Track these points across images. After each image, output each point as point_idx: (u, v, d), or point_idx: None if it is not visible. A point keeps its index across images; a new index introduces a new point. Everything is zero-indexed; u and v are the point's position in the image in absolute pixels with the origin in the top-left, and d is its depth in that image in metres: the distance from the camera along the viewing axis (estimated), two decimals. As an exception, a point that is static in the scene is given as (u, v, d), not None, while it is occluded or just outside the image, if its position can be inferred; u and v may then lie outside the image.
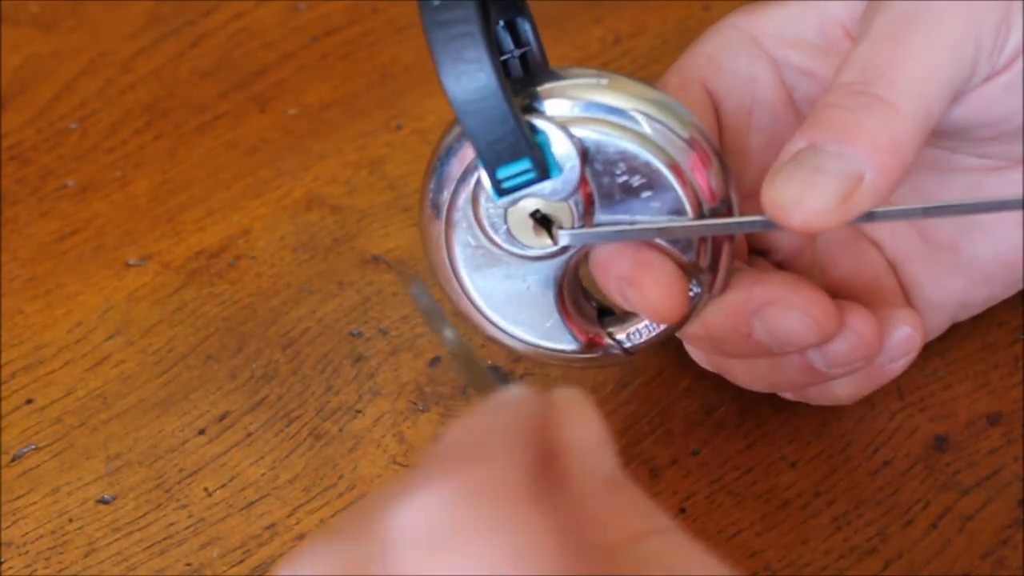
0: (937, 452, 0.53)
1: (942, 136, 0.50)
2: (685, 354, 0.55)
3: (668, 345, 0.53)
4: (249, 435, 0.54)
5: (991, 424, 0.53)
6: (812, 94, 0.51)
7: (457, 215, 0.48)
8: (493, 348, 0.55)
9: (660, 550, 0.36)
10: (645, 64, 0.64)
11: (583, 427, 0.38)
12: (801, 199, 0.45)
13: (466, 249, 0.49)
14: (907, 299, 0.53)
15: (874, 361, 0.51)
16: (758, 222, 0.47)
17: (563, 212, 0.48)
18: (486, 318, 0.50)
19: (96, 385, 0.56)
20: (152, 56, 0.66)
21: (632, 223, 0.48)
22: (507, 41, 0.48)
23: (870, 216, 0.46)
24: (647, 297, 0.48)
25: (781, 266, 0.53)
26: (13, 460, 0.54)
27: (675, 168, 0.47)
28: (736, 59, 0.51)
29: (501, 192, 0.47)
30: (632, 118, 0.47)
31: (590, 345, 0.50)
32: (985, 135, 0.49)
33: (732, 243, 0.49)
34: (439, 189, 0.48)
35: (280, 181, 0.62)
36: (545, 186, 0.47)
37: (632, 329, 0.50)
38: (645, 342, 0.50)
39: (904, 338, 0.50)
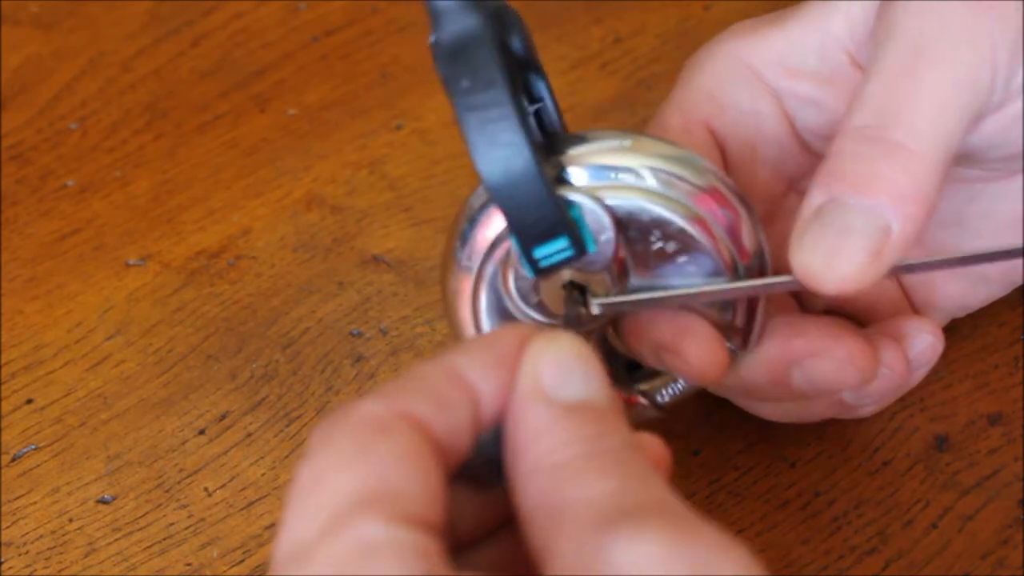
0: (937, 452, 0.53)
1: (963, 160, 0.49)
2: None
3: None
4: (249, 435, 0.54)
5: (991, 424, 0.53)
6: (816, 123, 0.50)
7: (485, 283, 0.47)
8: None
9: None
10: (645, 64, 0.64)
11: (542, 356, 0.38)
12: (832, 263, 0.44)
13: (494, 316, 0.47)
14: (907, 302, 0.53)
15: (907, 389, 0.51)
16: (789, 283, 0.46)
17: (596, 280, 0.47)
18: None
19: (96, 385, 0.56)
20: (152, 56, 0.66)
21: (667, 287, 0.47)
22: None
23: (905, 268, 0.45)
24: (690, 362, 0.47)
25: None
26: (13, 460, 0.54)
27: (708, 231, 0.46)
28: (738, 95, 0.50)
29: (537, 271, 0.46)
30: (662, 182, 0.46)
31: (626, 404, 0.50)
32: (994, 156, 0.49)
33: (766, 298, 0.48)
34: (468, 256, 0.47)
35: (280, 181, 0.62)
36: (580, 261, 0.46)
37: (664, 385, 0.50)
38: (676, 396, 0.50)
39: (927, 347, 0.50)
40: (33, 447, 0.54)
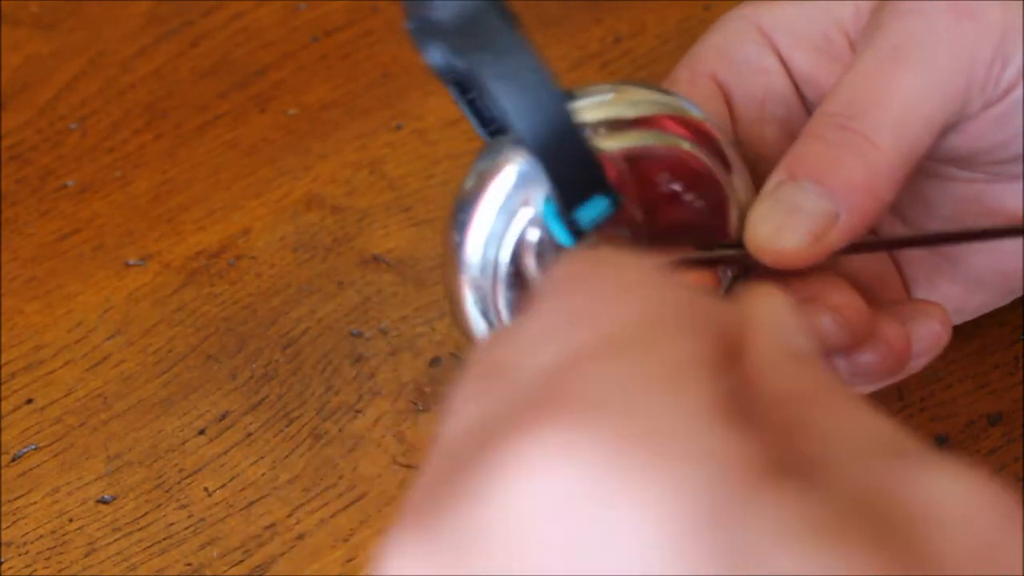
0: (937, 452, 0.53)
1: (939, 160, 0.50)
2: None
3: None
4: (249, 435, 0.54)
5: (991, 424, 0.53)
6: (813, 99, 0.51)
7: (503, 270, 0.45)
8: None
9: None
10: (645, 64, 0.64)
11: (767, 301, 0.36)
12: (775, 237, 0.46)
13: (512, 299, 0.46)
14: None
15: (900, 377, 0.51)
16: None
17: (615, 239, 0.46)
18: None
19: (96, 385, 0.56)
20: (152, 56, 0.66)
21: (676, 228, 0.47)
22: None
23: (852, 248, 0.47)
24: None
25: None
26: (13, 460, 0.54)
27: (704, 162, 0.47)
28: (745, 49, 0.51)
29: (577, 234, 0.45)
30: (653, 124, 0.46)
31: None
32: (982, 160, 0.49)
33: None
34: (478, 246, 0.45)
35: (280, 181, 0.62)
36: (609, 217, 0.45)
37: None
38: None
39: (932, 334, 0.50)
40: (33, 447, 0.54)
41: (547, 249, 0.45)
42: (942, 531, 0.31)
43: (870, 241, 0.47)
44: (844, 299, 0.48)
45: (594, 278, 0.34)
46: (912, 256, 0.52)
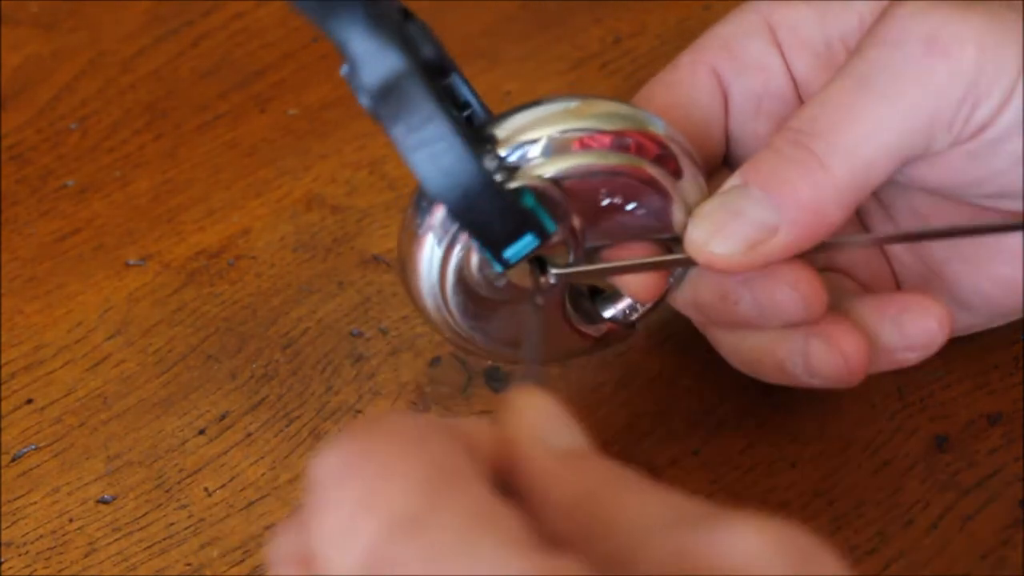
0: (937, 452, 0.53)
1: (923, 189, 0.50)
2: (685, 354, 0.55)
3: (660, 311, 0.52)
4: (249, 435, 0.54)
5: (991, 424, 0.53)
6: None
7: (449, 283, 0.48)
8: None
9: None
10: (645, 64, 0.64)
11: (523, 412, 0.37)
12: (710, 238, 0.46)
13: (464, 305, 0.49)
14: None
15: (855, 384, 0.51)
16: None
17: (558, 249, 0.48)
18: (496, 354, 0.50)
19: (96, 385, 0.56)
20: (152, 56, 0.66)
21: (621, 231, 0.48)
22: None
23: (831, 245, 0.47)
24: (628, 283, 0.49)
25: None
26: (13, 460, 0.54)
27: (644, 170, 0.47)
28: (748, 44, 0.51)
29: (507, 266, 0.47)
30: (600, 136, 0.47)
31: (599, 339, 0.51)
32: (961, 194, 0.49)
33: None
34: (425, 267, 0.48)
35: (280, 181, 0.62)
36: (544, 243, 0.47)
37: (627, 304, 0.51)
38: (644, 312, 0.51)
39: (925, 332, 0.50)
40: (33, 447, 0.54)
41: (487, 268, 0.48)
42: None
43: (838, 241, 0.48)
44: (800, 273, 0.48)
45: (367, 460, 0.35)
46: (906, 268, 0.52)
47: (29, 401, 0.55)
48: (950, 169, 0.48)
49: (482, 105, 0.47)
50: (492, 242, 0.46)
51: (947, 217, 0.51)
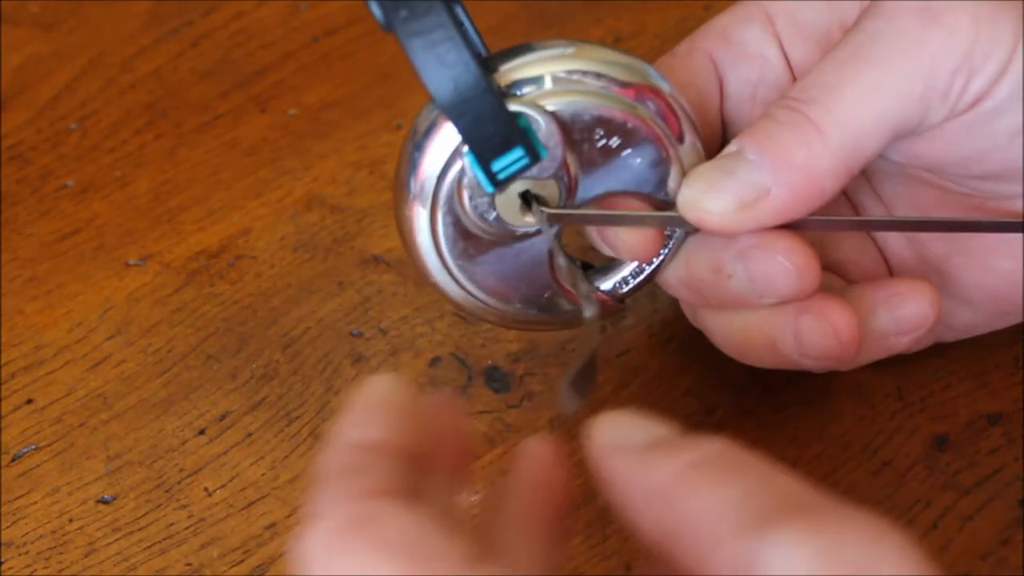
0: (937, 452, 0.53)
1: (914, 167, 0.50)
2: (685, 355, 0.55)
3: (651, 285, 0.52)
4: (249, 435, 0.54)
5: (991, 424, 0.53)
6: None
7: (442, 207, 0.49)
8: (492, 348, 0.55)
9: None
10: (645, 64, 0.64)
11: (599, 430, 0.39)
12: (703, 196, 0.47)
13: (454, 241, 0.49)
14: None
15: (847, 364, 0.50)
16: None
17: (549, 188, 0.48)
18: (482, 302, 0.50)
19: (96, 385, 0.56)
20: (152, 56, 0.66)
21: (615, 188, 0.49)
22: None
23: (799, 224, 0.47)
24: (621, 236, 0.49)
25: None
26: (13, 460, 0.54)
27: (646, 122, 0.48)
28: (745, 33, 0.52)
29: (496, 183, 0.47)
30: (601, 80, 0.48)
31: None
32: (960, 174, 0.49)
33: None
34: (421, 182, 0.48)
35: (280, 181, 0.62)
36: (534, 169, 0.48)
37: (619, 278, 0.51)
38: (633, 287, 0.51)
39: (916, 313, 0.50)
40: (33, 447, 0.54)
41: (477, 192, 0.48)
42: None
43: (814, 219, 0.48)
44: (793, 244, 0.48)
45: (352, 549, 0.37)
46: (904, 264, 0.52)
47: (29, 401, 0.55)
48: (948, 144, 0.48)
49: (477, 33, 0.48)
50: (480, 146, 0.46)
51: (948, 213, 0.51)
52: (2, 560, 0.51)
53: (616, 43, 0.65)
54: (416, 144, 0.48)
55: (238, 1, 0.68)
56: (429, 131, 0.48)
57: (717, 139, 0.52)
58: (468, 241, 0.49)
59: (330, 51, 0.66)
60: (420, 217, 0.49)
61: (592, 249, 0.52)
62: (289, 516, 0.52)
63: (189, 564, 0.51)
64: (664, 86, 0.48)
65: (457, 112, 0.46)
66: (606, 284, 0.51)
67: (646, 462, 0.37)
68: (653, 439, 0.38)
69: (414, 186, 0.48)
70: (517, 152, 0.47)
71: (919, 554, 0.35)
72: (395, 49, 0.66)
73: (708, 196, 0.47)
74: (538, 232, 0.49)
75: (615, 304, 0.52)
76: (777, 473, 0.37)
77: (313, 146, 0.63)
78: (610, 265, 0.51)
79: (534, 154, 0.47)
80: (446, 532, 0.37)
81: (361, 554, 0.37)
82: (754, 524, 0.35)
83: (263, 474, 0.53)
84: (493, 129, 0.46)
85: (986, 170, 0.48)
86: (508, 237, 0.49)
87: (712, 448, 0.37)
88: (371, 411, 0.40)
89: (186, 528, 0.52)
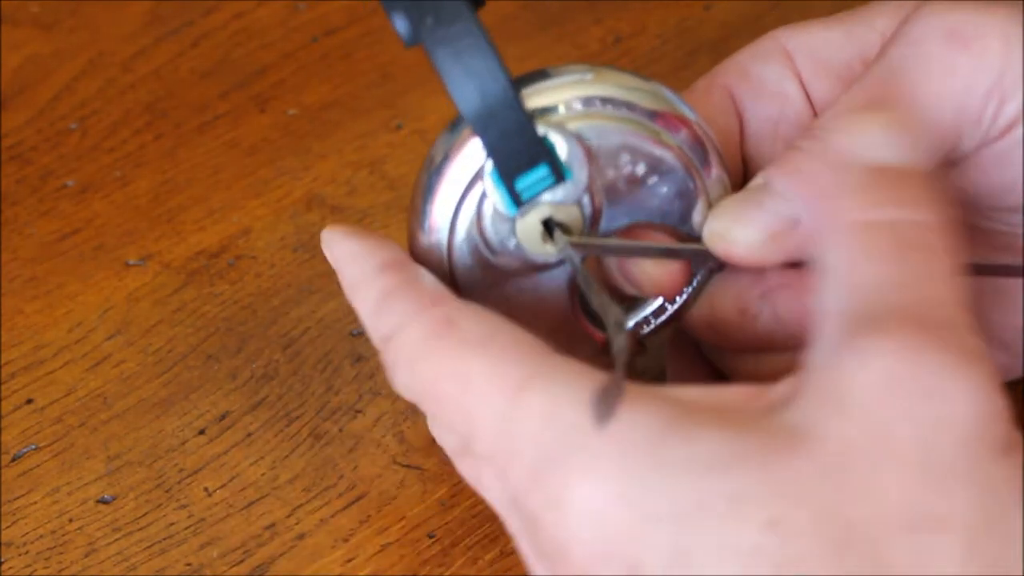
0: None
1: (955, 202, 0.49)
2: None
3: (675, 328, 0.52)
4: (249, 435, 0.54)
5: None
6: None
7: (459, 234, 0.47)
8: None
9: None
10: (645, 64, 0.64)
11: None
12: (731, 227, 0.46)
13: (471, 271, 0.48)
14: None
15: None
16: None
17: (572, 216, 0.47)
18: None
19: (96, 385, 0.56)
20: (152, 56, 0.66)
21: (639, 218, 0.48)
22: None
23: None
24: (646, 270, 0.48)
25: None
26: (13, 460, 0.54)
27: (675, 150, 0.47)
28: (765, 69, 0.51)
29: (519, 203, 0.46)
30: (628, 107, 0.47)
31: (606, 345, 0.50)
32: (989, 205, 0.48)
33: None
34: (438, 209, 0.47)
35: (280, 181, 0.62)
36: (558, 191, 0.47)
37: (640, 317, 0.50)
38: (655, 327, 0.50)
39: None
40: (33, 447, 0.54)
41: (498, 218, 0.47)
42: None
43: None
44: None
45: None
46: None
47: (29, 401, 0.55)
48: (980, 173, 0.47)
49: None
50: (505, 161, 0.45)
51: (977, 251, 0.50)
52: (2, 560, 0.51)
53: (616, 43, 0.65)
54: (434, 170, 0.47)
55: (238, 1, 0.68)
56: (448, 155, 0.47)
57: (739, 177, 0.51)
58: (485, 272, 0.48)
59: (330, 51, 0.66)
60: (437, 246, 0.47)
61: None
62: (289, 516, 0.52)
63: (189, 564, 0.51)
64: (691, 115, 0.48)
65: (483, 124, 0.45)
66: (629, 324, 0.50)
67: (864, 189, 0.39)
68: (897, 163, 0.40)
69: (431, 213, 0.47)
70: (542, 171, 0.46)
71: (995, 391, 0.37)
72: (395, 49, 0.66)
73: (736, 227, 0.46)
74: (559, 264, 0.48)
75: (635, 345, 0.51)
76: (940, 274, 0.39)
77: (313, 146, 0.63)
78: (631, 304, 0.50)
79: (559, 174, 0.46)
80: (512, 326, 0.41)
81: (453, 355, 0.41)
82: (861, 324, 0.38)
83: (263, 474, 0.53)
84: (519, 145, 0.45)
85: (1018, 201, 0.48)
86: (527, 268, 0.48)
87: (921, 215, 0.40)
88: (368, 241, 0.45)
89: (186, 528, 0.52)
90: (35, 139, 0.63)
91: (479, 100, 0.45)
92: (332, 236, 0.47)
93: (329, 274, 0.59)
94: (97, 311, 0.58)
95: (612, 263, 0.49)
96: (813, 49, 0.51)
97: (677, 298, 0.50)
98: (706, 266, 0.49)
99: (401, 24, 0.44)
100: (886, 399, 0.37)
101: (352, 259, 0.46)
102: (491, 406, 0.40)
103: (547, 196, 0.47)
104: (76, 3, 0.68)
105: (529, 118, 0.45)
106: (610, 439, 0.39)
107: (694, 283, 0.49)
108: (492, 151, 0.45)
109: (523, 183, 0.46)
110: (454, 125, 0.47)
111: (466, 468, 0.45)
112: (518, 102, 0.45)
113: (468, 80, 0.44)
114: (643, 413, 0.39)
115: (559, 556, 0.39)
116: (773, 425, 0.38)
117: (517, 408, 0.40)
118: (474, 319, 0.42)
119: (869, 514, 0.36)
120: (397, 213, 0.60)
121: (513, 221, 0.47)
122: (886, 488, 0.36)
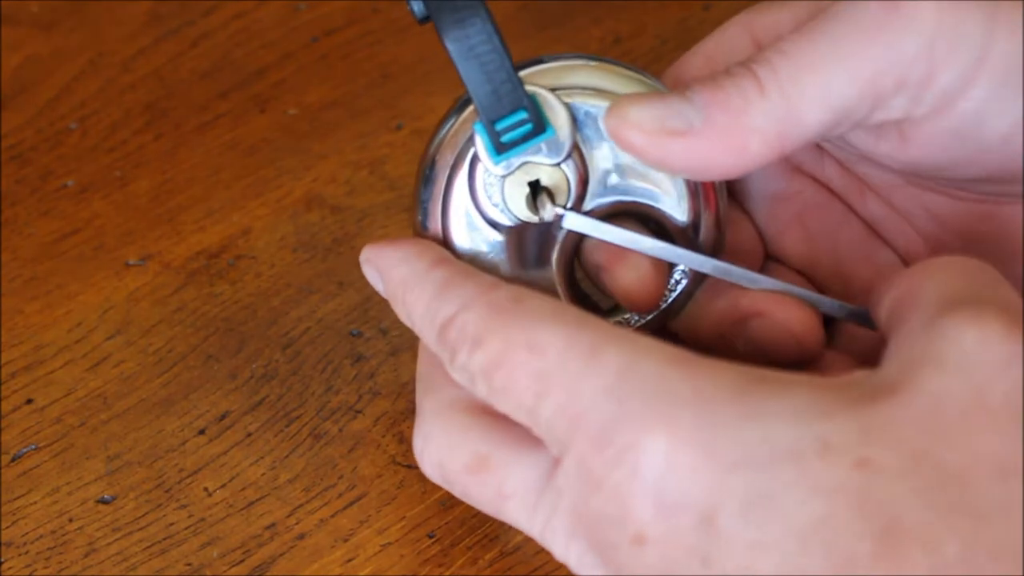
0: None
1: (920, 174, 0.49)
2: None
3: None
4: (249, 435, 0.54)
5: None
6: None
7: (454, 199, 0.49)
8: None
9: None
10: (645, 64, 0.64)
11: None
12: (630, 106, 0.46)
13: (463, 227, 0.49)
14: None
15: None
16: (747, 276, 0.49)
17: (560, 185, 0.48)
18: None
19: (96, 385, 0.56)
20: (152, 56, 0.66)
21: (625, 199, 0.49)
22: None
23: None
24: (620, 284, 0.49)
25: (799, 273, 0.53)
26: (13, 460, 0.54)
27: None
28: (732, 57, 0.51)
29: (499, 148, 0.48)
30: (613, 87, 0.48)
31: None
32: (957, 176, 0.49)
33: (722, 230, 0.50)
34: (434, 198, 0.49)
35: (280, 181, 0.62)
36: (540, 146, 0.48)
37: (621, 318, 0.51)
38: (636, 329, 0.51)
39: None
40: (33, 447, 0.54)
41: (491, 186, 0.49)
42: None
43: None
44: (797, 314, 0.48)
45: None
46: None
47: (29, 401, 0.55)
48: (936, 147, 0.47)
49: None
50: (486, 100, 0.47)
51: (963, 217, 0.50)
52: (2, 560, 0.51)
53: (616, 43, 0.65)
54: (428, 154, 0.49)
55: (238, 1, 0.68)
56: (441, 142, 0.49)
57: None
58: (480, 266, 0.49)
59: (330, 51, 0.66)
60: (435, 238, 0.49)
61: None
62: (289, 516, 0.52)
63: (189, 564, 0.51)
64: None
65: (465, 58, 0.47)
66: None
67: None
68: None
69: (429, 198, 0.49)
70: (520, 115, 0.47)
71: None
72: (395, 49, 0.66)
73: (634, 108, 0.46)
74: (549, 225, 0.49)
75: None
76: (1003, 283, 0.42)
77: (313, 146, 0.63)
78: (612, 310, 0.51)
79: (539, 123, 0.47)
80: (571, 305, 0.43)
81: (524, 325, 0.42)
82: (955, 304, 0.41)
83: (263, 474, 0.53)
84: (499, 83, 0.47)
85: (983, 173, 0.48)
86: (520, 253, 0.49)
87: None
88: (415, 244, 0.47)
89: (186, 528, 0.52)
90: (35, 139, 0.63)
91: (463, 37, 0.47)
92: (373, 248, 0.48)
93: (329, 274, 0.59)
94: (97, 311, 0.58)
95: (591, 270, 0.50)
96: (775, 25, 0.51)
97: (652, 311, 0.50)
98: (685, 282, 0.50)
99: (417, 6, 0.48)
100: (983, 359, 0.39)
101: (402, 261, 0.47)
102: (568, 371, 0.41)
103: (532, 155, 0.48)
104: (76, 3, 0.68)
105: (515, 70, 0.47)
106: (693, 388, 0.39)
107: (670, 298, 0.50)
108: (471, 86, 0.47)
109: (503, 125, 0.47)
110: (443, 120, 0.49)
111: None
112: (501, 44, 0.47)
113: (456, 15, 0.47)
114: (725, 369, 0.40)
115: (615, 519, 0.40)
116: (863, 384, 0.39)
117: (592, 367, 0.41)
118: (538, 296, 0.43)
119: (961, 459, 0.37)
120: (397, 213, 0.60)
121: (503, 185, 0.48)
122: (980, 437, 0.38)
